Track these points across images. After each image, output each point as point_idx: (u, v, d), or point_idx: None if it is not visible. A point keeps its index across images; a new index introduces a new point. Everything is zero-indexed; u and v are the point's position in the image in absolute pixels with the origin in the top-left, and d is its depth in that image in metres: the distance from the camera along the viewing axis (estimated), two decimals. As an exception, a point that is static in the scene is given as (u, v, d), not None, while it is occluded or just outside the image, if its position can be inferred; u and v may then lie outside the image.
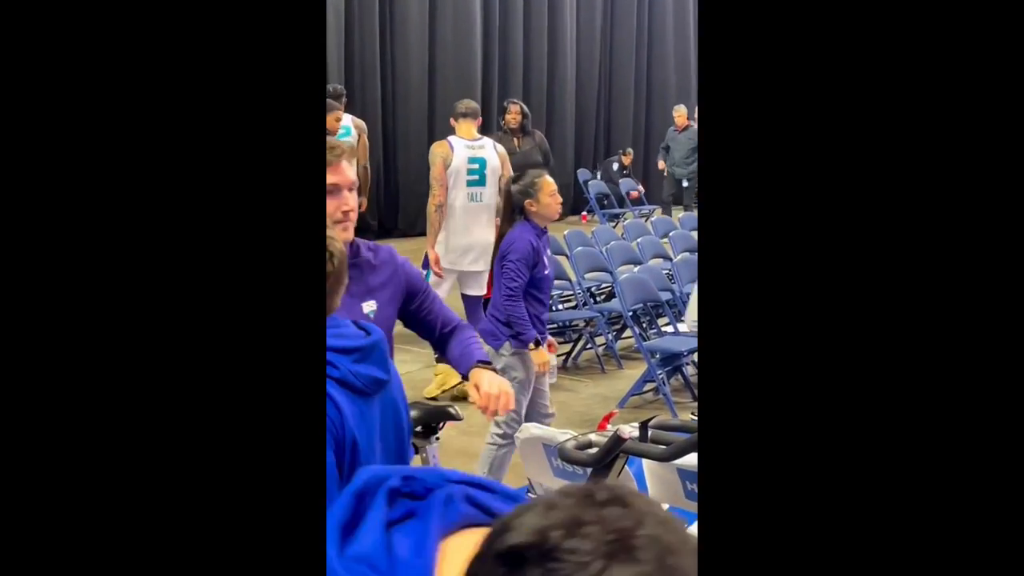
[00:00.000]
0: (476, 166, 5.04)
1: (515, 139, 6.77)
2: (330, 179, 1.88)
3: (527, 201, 3.50)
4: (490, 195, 5.05)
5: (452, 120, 5.24)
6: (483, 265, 5.01)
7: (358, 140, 6.83)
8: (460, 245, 5.06)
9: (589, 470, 2.30)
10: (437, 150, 5.09)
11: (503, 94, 11.39)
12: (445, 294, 4.92)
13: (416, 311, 2.09)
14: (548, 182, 3.53)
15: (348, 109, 7.80)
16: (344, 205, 1.89)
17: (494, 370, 2.03)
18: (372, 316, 1.94)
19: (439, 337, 2.13)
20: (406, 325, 2.16)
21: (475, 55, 11.49)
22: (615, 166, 11.79)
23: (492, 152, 5.09)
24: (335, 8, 9.97)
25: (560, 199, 3.59)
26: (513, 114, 6.83)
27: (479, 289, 5.18)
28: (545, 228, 3.57)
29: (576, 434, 2.48)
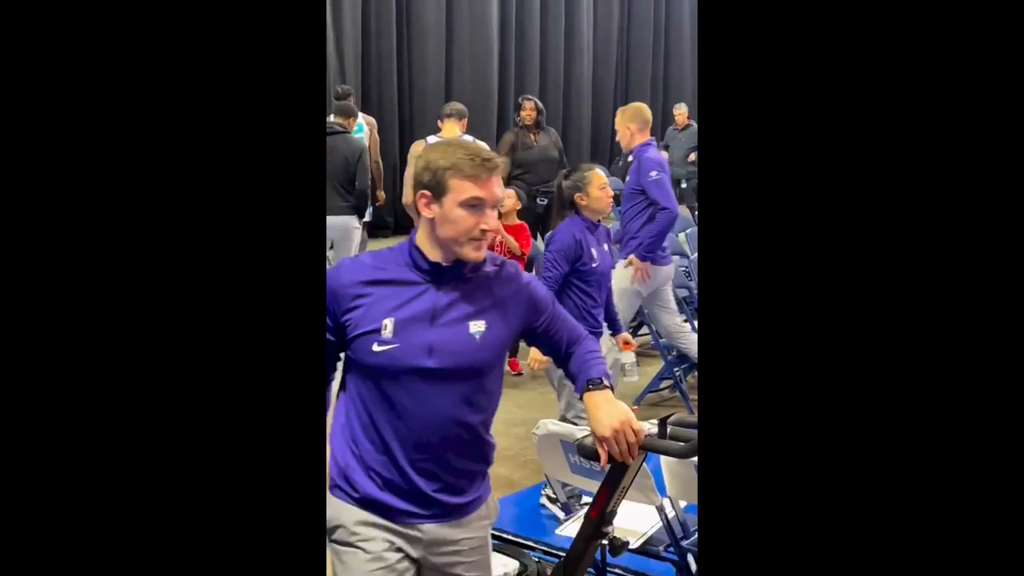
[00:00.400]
0: None
1: (531, 135, 6.79)
2: (476, 192, 1.74)
3: (577, 195, 3.52)
4: None
5: (439, 121, 5.29)
6: None
7: (369, 135, 6.92)
8: None
9: (607, 466, 2.29)
10: (413, 150, 5.12)
11: (519, 91, 11.37)
12: None
13: (542, 332, 1.95)
14: (598, 175, 3.54)
15: (361, 106, 7.82)
16: (484, 223, 1.76)
17: (610, 388, 1.88)
18: (479, 337, 1.80)
19: (564, 355, 1.98)
20: (528, 343, 2.05)
21: (491, 52, 11.46)
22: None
23: None
24: (352, 4, 9.98)
25: (611, 192, 3.59)
26: (528, 110, 6.85)
27: None
28: (598, 222, 3.58)
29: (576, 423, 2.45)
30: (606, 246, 3.61)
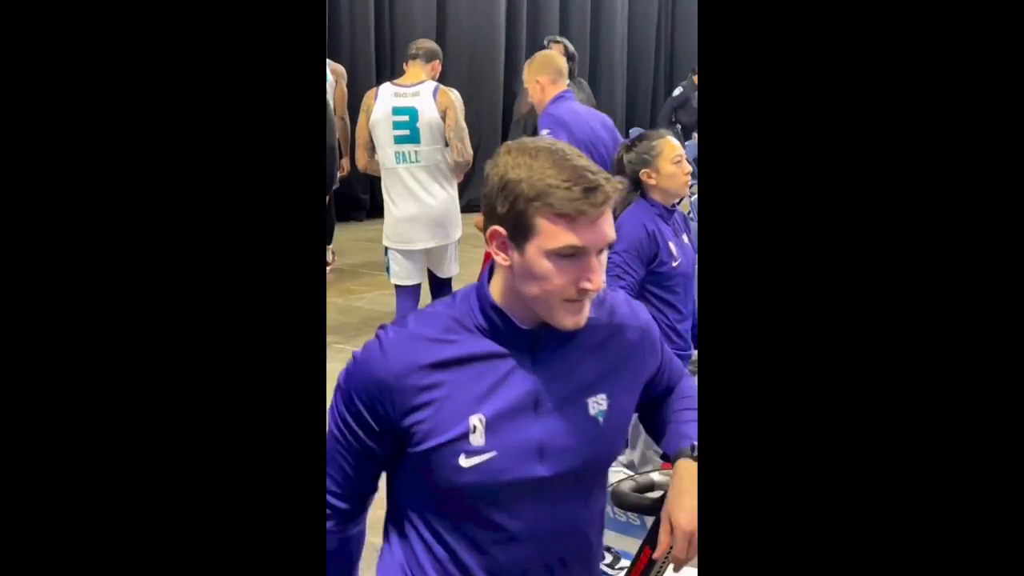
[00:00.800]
0: (404, 118, 5.01)
1: None
2: (573, 240, 1.47)
3: (643, 172, 3.32)
4: (428, 154, 5.02)
5: (404, 64, 5.33)
6: (437, 240, 5.07)
7: (335, 87, 6.87)
8: (395, 218, 5.11)
9: (650, 519, 2.22)
10: (364, 100, 5.20)
11: (532, 36, 11.32)
12: (409, 281, 5.15)
13: (655, 384, 1.79)
14: (671, 145, 3.34)
15: (327, 51, 7.74)
16: (585, 278, 1.49)
17: None
18: (602, 419, 1.61)
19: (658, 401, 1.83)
20: None
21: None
22: (678, 91, 11.36)
23: (428, 101, 5.03)
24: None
25: (688, 167, 3.40)
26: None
27: (448, 269, 5.25)
28: (673, 206, 3.38)
29: (633, 473, 2.38)
30: (685, 237, 3.43)
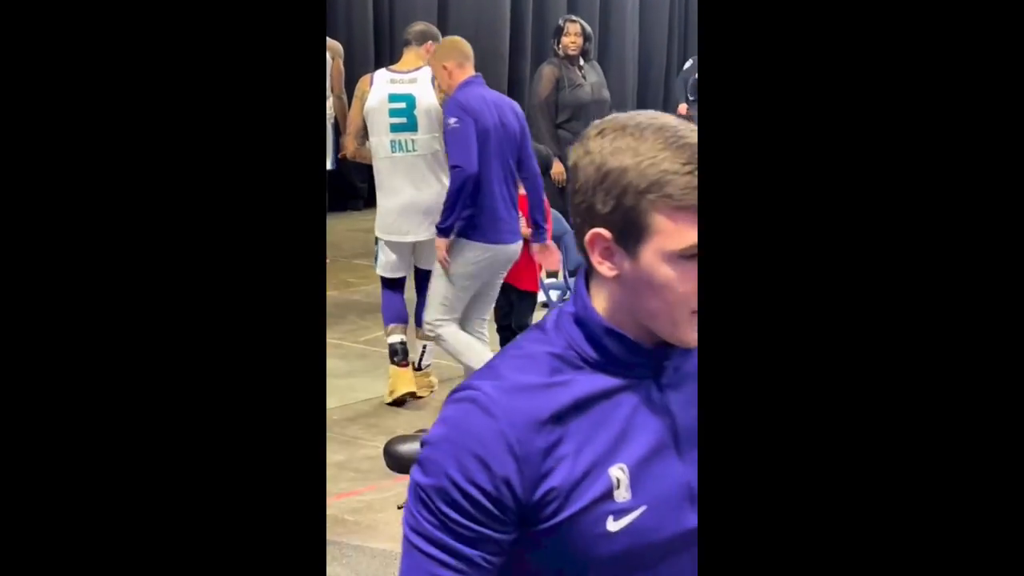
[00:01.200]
0: (401, 105, 5.00)
1: (578, 69, 6.64)
2: (691, 237, 1.26)
3: None
4: (426, 142, 5.01)
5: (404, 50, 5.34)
6: (430, 232, 5.01)
7: (331, 64, 6.86)
8: (387, 208, 5.11)
9: None
10: (359, 86, 5.21)
11: (539, 18, 11.21)
12: (391, 272, 5.19)
13: None
14: None
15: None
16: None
17: None
18: None
19: None
20: None
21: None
22: (689, 63, 11.25)
23: (426, 87, 5.03)
24: None
25: None
26: (573, 36, 6.78)
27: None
28: None
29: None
30: None
